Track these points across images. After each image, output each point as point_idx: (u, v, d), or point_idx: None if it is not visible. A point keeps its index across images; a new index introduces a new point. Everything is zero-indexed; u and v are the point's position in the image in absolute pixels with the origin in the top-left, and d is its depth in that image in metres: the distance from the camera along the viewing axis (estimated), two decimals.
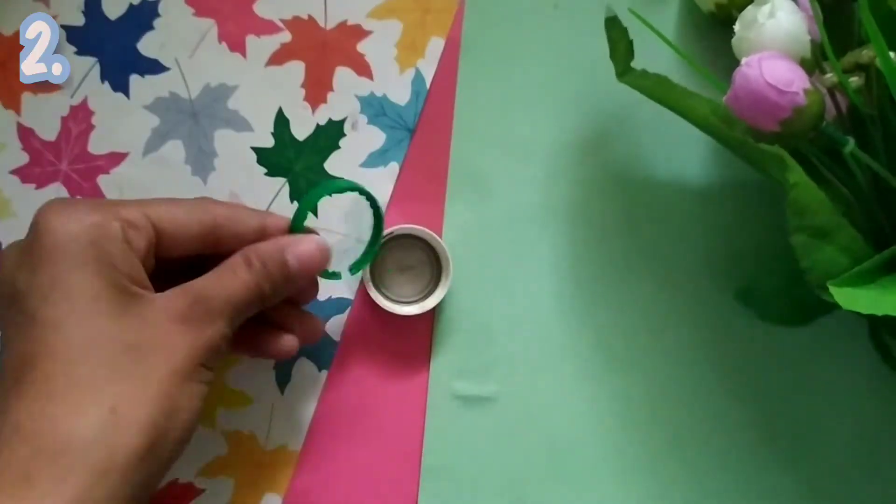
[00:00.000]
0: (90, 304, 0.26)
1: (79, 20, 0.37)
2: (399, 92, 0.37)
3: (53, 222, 0.27)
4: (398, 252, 0.35)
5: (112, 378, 0.26)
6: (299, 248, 0.30)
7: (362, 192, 0.33)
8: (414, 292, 0.36)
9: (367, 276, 0.35)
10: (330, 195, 0.33)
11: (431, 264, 0.36)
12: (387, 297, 0.35)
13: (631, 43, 0.32)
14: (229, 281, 0.29)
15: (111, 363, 0.26)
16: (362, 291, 0.36)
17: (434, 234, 0.35)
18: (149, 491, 0.27)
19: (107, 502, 0.25)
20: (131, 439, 0.25)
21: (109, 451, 0.25)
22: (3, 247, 0.37)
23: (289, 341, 0.33)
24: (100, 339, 0.26)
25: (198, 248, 0.30)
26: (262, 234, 0.31)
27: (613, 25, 0.32)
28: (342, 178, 0.35)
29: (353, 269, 0.34)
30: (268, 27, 0.37)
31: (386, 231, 0.35)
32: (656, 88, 0.32)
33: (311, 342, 0.34)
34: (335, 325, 0.36)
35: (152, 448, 0.26)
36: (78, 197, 0.28)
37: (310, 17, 0.37)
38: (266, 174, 0.37)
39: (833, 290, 0.26)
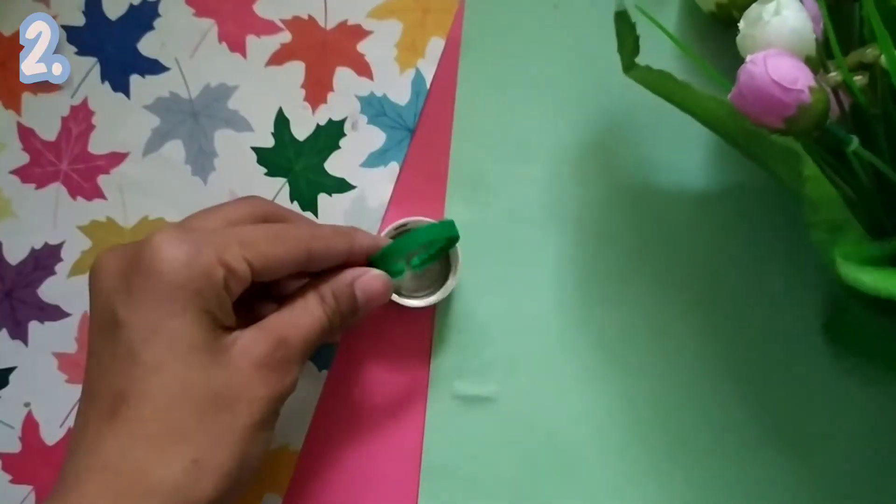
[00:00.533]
0: (187, 354, 0.27)
1: (79, 20, 0.37)
2: (399, 92, 0.37)
3: (165, 259, 0.27)
4: None
5: (198, 428, 0.27)
6: (367, 284, 0.32)
7: (452, 233, 0.33)
8: (422, 286, 0.36)
9: None
10: (423, 244, 0.33)
11: (440, 259, 0.36)
12: (397, 292, 0.35)
13: (638, 38, 0.32)
14: (305, 319, 0.30)
15: (199, 412, 0.27)
16: None
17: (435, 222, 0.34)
18: None
19: None
20: (207, 490, 0.26)
21: (185, 501, 0.26)
22: (4, 247, 0.37)
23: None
24: (192, 388, 0.27)
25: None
26: (349, 259, 0.32)
27: (622, 20, 0.31)
28: (434, 224, 0.34)
29: (416, 265, 0.35)
30: (268, 27, 0.37)
31: (398, 222, 0.35)
32: (662, 83, 0.32)
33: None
34: None
35: (223, 497, 0.27)
36: (185, 228, 0.29)
37: (310, 17, 0.37)
38: (266, 174, 0.37)
39: (839, 261, 0.26)
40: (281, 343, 0.29)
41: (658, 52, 0.32)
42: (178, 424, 0.26)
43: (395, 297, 0.34)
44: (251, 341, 0.28)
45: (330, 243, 0.31)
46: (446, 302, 0.36)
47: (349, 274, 0.31)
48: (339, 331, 0.33)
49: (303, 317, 0.30)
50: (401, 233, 0.35)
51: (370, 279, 0.32)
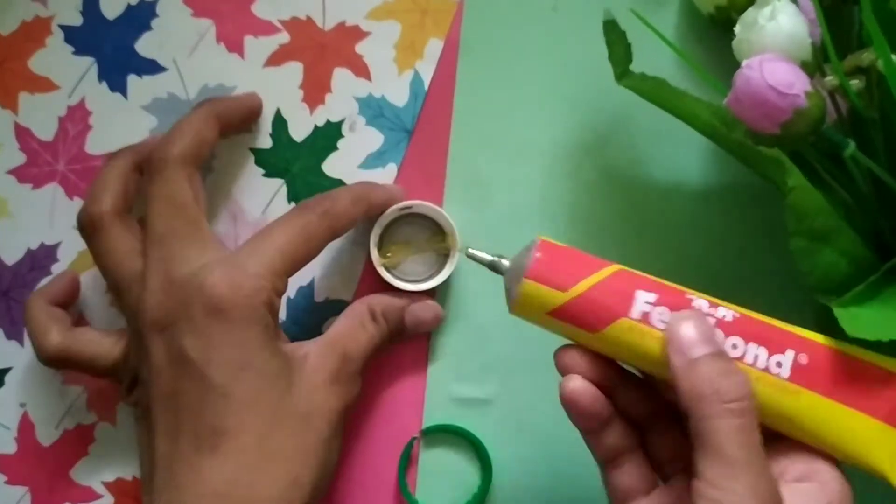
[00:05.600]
0: (274, 383, 0.29)
1: (77, 20, 0.37)
2: (397, 93, 0.37)
3: (232, 300, 0.29)
4: (406, 228, 0.36)
5: (293, 448, 0.29)
6: (418, 312, 0.35)
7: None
8: (421, 271, 0.36)
9: (377, 260, 0.35)
10: None
11: (438, 243, 0.36)
12: (391, 272, 0.35)
13: (629, 46, 0.32)
14: (361, 336, 0.33)
15: (292, 434, 0.29)
16: (361, 293, 0.36)
17: (441, 210, 0.35)
18: None
19: None
20: (305, 501, 0.29)
21: None
22: (0, 247, 0.37)
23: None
24: (283, 413, 0.29)
25: None
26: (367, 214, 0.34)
27: (611, 28, 0.31)
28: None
29: None
30: (266, 28, 0.37)
31: (402, 203, 0.35)
32: (655, 92, 0.32)
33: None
34: None
35: None
36: (234, 255, 0.30)
37: (308, 17, 0.37)
38: (264, 175, 0.37)
39: (837, 312, 0.26)
40: (346, 358, 0.32)
41: (657, 53, 0.32)
42: (277, 448, 0.29)
43: (393, 281, 0.35)
44: (321, 358, 0.31)
45: (351, 216, 0.33)
46: (445, 303, 0.36)
47: (404, 300, 0.34)
48: (388, 346, 0.34)
49: (359, 332, 0.33)
50: (405, 214, 0.35)
51: (422, 308, 0.34)
